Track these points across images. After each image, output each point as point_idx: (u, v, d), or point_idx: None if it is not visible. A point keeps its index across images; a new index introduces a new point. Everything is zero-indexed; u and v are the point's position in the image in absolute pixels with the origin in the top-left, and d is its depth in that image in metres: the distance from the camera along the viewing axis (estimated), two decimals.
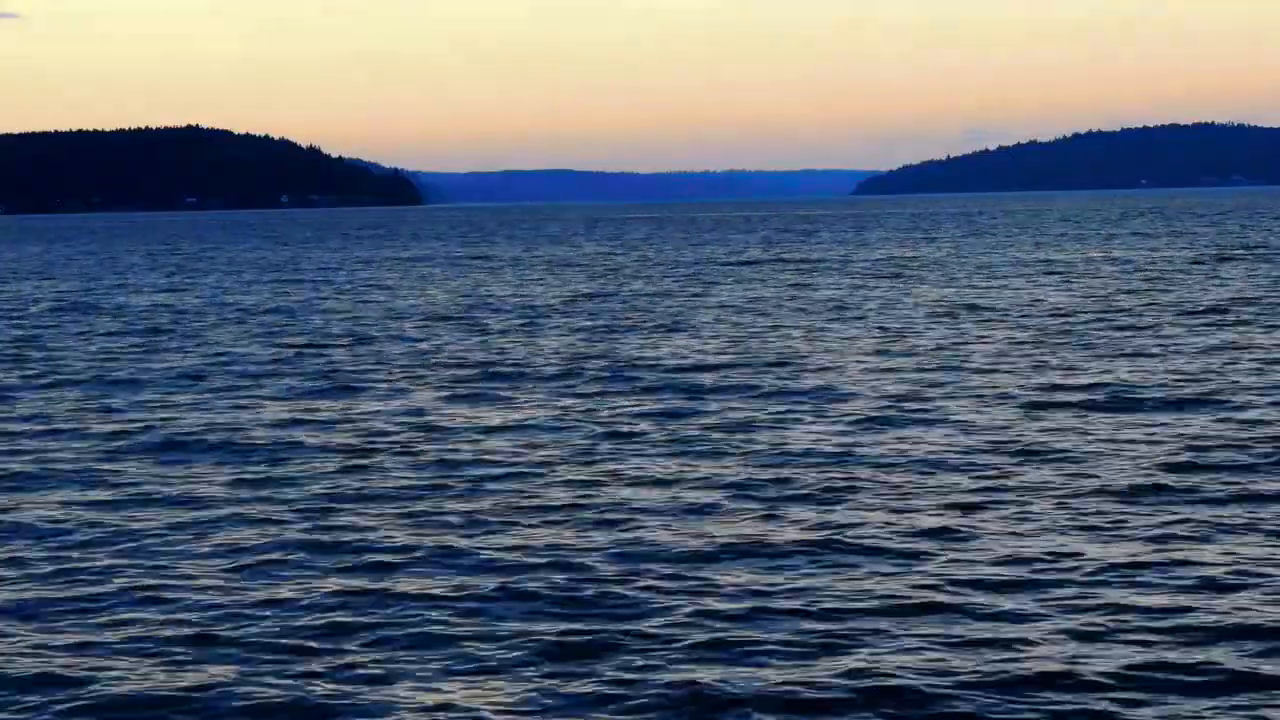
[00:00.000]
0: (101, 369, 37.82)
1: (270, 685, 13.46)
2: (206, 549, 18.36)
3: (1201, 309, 47.46)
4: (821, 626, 14.76)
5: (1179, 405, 27.64)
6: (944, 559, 17.18)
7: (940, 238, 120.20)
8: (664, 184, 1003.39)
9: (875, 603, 15.48)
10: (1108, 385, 30.35)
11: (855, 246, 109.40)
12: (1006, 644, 14.12)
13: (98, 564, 17.75)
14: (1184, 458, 22.56)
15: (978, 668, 13.55)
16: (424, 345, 41.97)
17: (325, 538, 18.76)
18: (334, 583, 16.66)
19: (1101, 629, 14.49)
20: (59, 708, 13.09)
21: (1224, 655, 13.73)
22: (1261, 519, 18.68)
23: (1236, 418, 26.04)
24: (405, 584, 16.56)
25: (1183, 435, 24.47)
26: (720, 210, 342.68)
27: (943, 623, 14.80)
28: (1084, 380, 31.18)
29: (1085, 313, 47.35)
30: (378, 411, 29.17)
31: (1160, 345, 37.34)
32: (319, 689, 13.35)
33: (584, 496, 20.91)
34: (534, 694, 13.15)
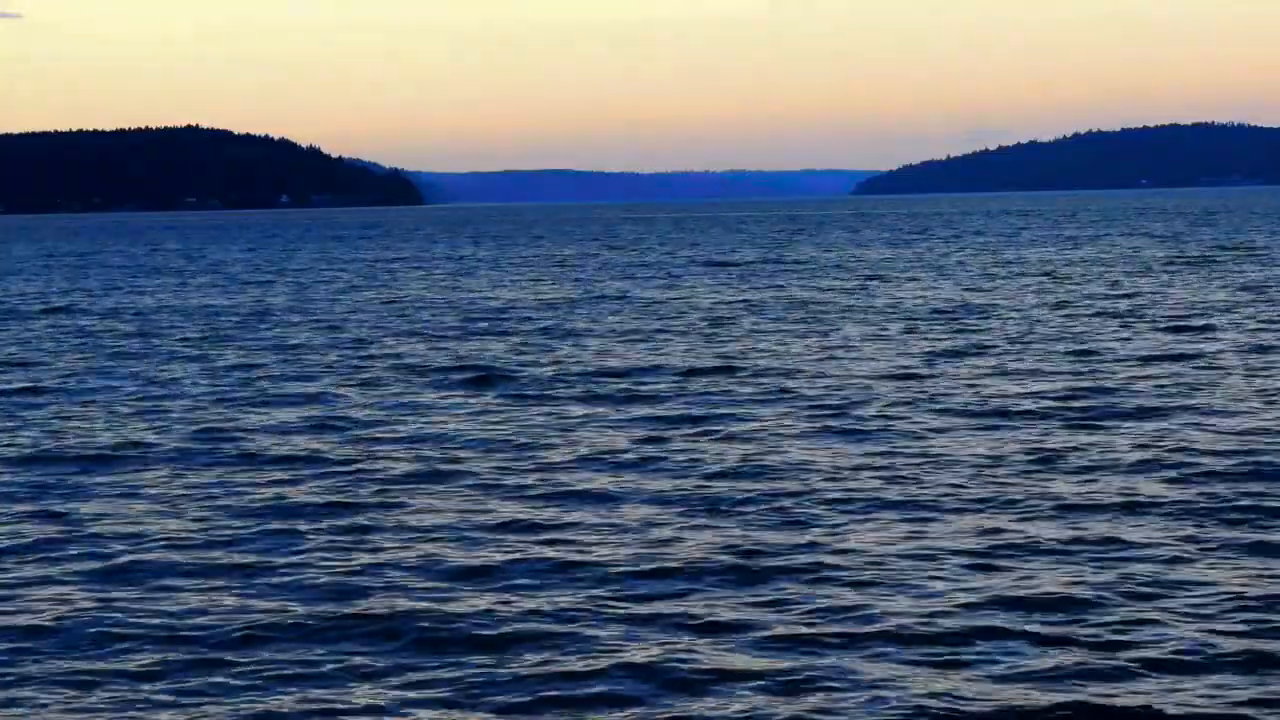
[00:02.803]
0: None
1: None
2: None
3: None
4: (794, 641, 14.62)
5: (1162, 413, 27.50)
6: (913, 577, 16.99)
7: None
8: (665, 184, 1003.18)
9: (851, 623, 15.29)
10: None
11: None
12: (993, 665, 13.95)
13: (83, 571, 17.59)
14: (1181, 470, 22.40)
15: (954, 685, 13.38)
16: (376, 346, 41.83)
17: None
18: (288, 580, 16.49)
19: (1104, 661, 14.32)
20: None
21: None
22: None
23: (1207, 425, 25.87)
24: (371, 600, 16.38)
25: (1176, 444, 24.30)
26: (730, 210, 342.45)
27: (920, 644, 14.62)
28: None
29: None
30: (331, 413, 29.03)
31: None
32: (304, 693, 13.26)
33: (535, 508, 20.72)
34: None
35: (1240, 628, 14.74)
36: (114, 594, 16.76)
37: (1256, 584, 16.13)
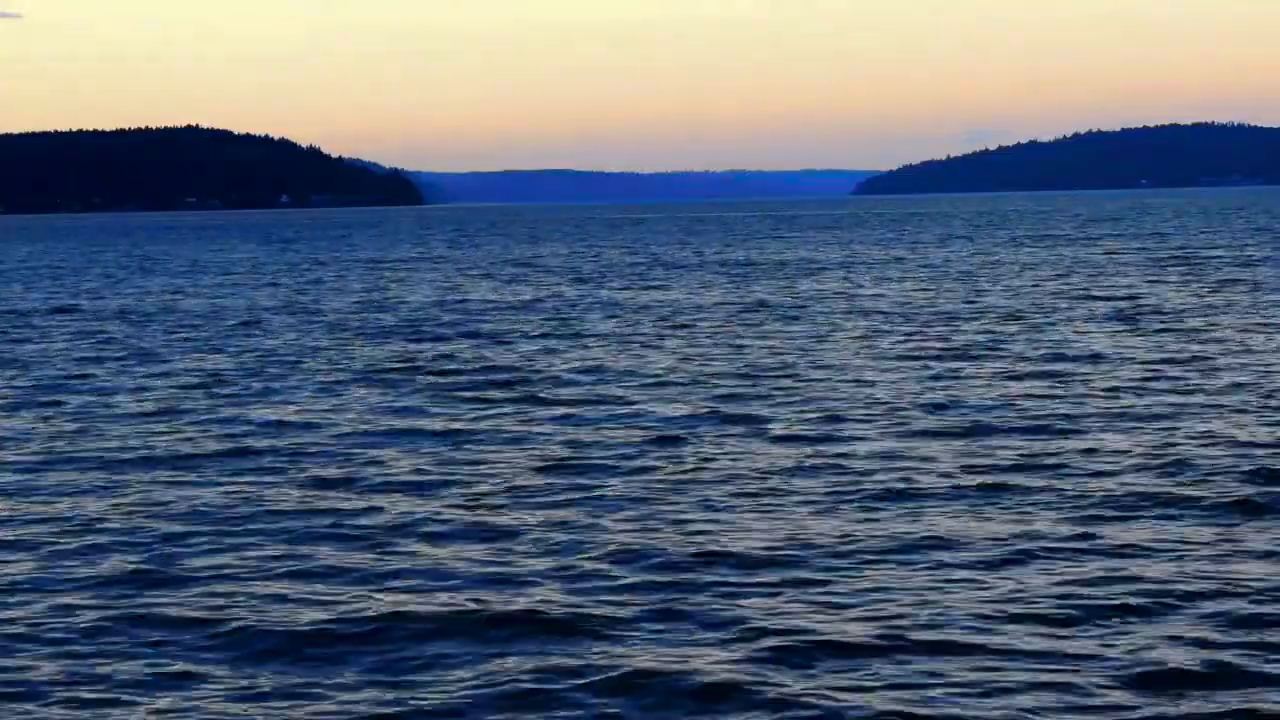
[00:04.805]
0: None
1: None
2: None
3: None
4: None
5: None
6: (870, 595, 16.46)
7: None
8: (665, 184, 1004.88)
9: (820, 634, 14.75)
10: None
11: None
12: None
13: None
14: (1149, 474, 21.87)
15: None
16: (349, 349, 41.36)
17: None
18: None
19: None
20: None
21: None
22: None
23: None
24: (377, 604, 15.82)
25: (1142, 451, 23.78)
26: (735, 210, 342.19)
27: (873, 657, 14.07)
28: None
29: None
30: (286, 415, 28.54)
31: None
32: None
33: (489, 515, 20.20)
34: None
35: (1245, 635, 14.32)
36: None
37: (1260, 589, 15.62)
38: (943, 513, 19.76)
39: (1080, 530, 18.61)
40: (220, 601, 16.27)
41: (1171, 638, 14.47)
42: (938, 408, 28.44)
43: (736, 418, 27.79)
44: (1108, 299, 53.73)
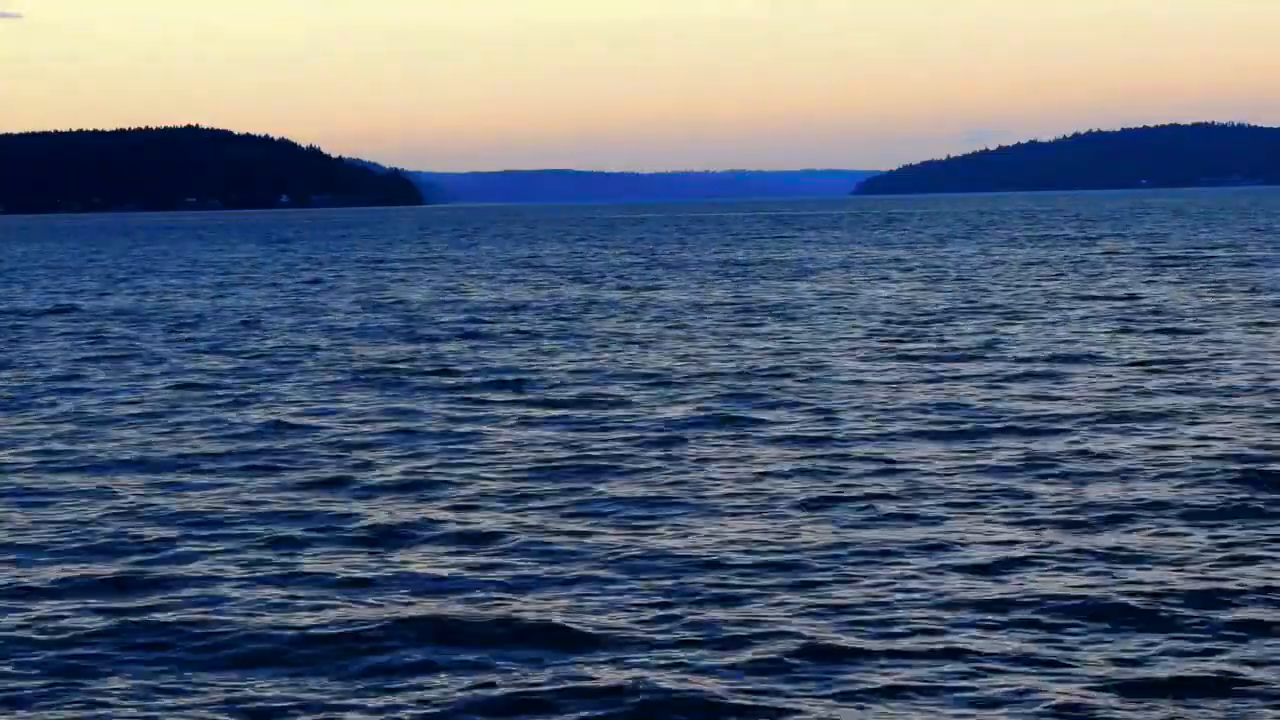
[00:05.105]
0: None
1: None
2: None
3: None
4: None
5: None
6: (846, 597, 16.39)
7: None
8: (665, 184, 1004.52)
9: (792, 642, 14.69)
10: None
11: None
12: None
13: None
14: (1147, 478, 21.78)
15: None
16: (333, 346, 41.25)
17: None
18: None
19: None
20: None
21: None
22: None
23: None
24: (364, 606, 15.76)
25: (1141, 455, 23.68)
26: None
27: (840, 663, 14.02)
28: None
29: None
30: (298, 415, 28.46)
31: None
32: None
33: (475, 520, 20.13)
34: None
35: (1244, 639, 14.22)
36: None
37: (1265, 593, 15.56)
38: (942, 515, 19.71)
39: (1078, 533, 18.56)
40: (216, 604, 16.21)
41: (1171, 641, 14.43)
42: (937, 408, 28.40)
43: (736, 418, 27.73)
44: (1107, 299, 53.69)
